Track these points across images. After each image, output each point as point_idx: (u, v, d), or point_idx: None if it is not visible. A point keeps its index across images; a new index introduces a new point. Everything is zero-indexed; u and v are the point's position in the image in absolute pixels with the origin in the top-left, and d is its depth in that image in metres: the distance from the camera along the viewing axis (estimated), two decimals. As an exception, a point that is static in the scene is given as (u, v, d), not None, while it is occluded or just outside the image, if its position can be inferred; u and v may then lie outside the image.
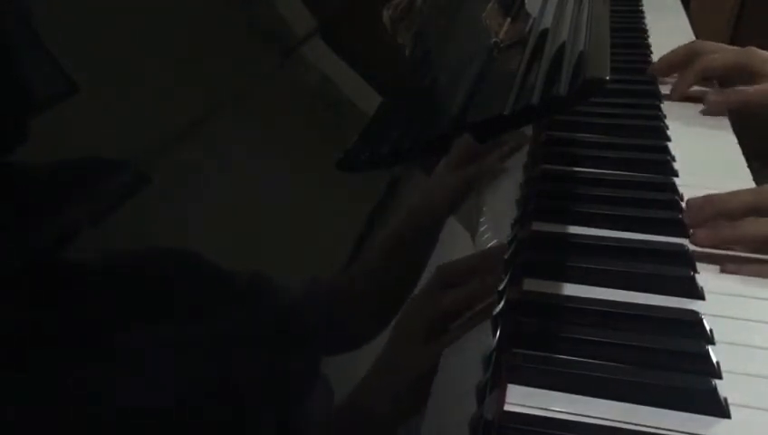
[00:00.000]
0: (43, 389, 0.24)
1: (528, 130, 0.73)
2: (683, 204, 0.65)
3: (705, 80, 0.87)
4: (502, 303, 0.48)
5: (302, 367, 0.35)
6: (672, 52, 0.89)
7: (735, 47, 0.87)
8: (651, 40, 1.09)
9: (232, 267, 0.34)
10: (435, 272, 0.45)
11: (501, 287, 0.50)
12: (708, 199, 0.62)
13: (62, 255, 0.27)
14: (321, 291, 0.39)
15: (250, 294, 0.34)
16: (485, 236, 0.56)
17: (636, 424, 0.43)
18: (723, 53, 0.85)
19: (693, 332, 0.50)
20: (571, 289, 0.54)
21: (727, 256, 0.59)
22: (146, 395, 0.27)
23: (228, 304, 0.33)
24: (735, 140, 0.78)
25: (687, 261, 0.57)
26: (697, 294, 0.54)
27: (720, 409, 0.44)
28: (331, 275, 0.40)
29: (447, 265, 0.47)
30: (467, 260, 0.50)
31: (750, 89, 0.81)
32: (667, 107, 0.85)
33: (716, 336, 0.50)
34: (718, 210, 0.61)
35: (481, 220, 0.56)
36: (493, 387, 0.44)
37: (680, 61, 0.88)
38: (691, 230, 0.61)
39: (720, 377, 0.46)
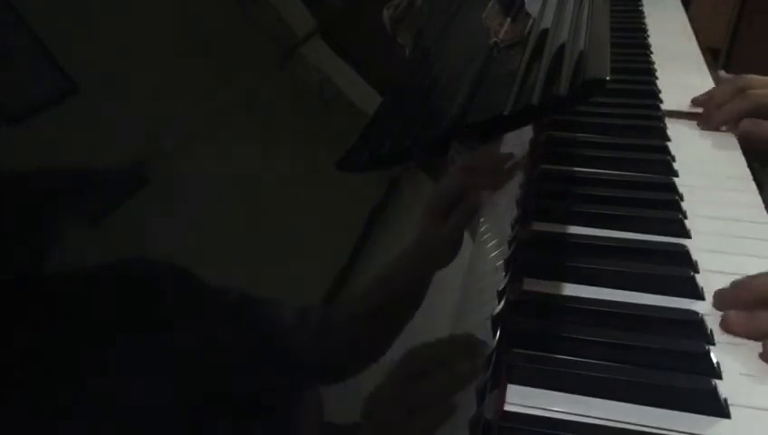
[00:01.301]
0: (30, 399, 0.24)
1: (526, 140, 0.73)
2: (682, 203, 0.65)
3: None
4: (502, 303, 0.48)
5: (287, 387, 0.35)
6: (719, 89, 0.82)
7: None
8: (651, 40, 1.09)
9: (228, 273, 0.34)
10: (404, 359, 0.43)
11: (501, 287, 0.50)
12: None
13: (51, 263, 0.27)
14: (311, 316, 0.38)
15: (240, 309, 0.34)
16: (485, 236, 0.56)
17: (635, 424, 0.43)
18: None
19: (693, 332, 0.50)
20: (570, 289, 0.54)
21: None
22: (129, 406, 0.27)
23: (217, 316, 0.33)
24: (736, 141, 0.78)
25: (687, 261, 0.57)
26: (697, 294, 0.54)
27: (720, 409, 0.44)
28: (321, 304, 0.39)
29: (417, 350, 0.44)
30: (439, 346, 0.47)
31: None
32: (667, 108, 0.85)
33: (716, 336, 0.50)
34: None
35: (481, 220, 0.55)
36: (493, 387, 0.44)
37: (729, 99, 0.80)
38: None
39: (720, 377, 0.46)
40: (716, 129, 0.80)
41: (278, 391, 0.34)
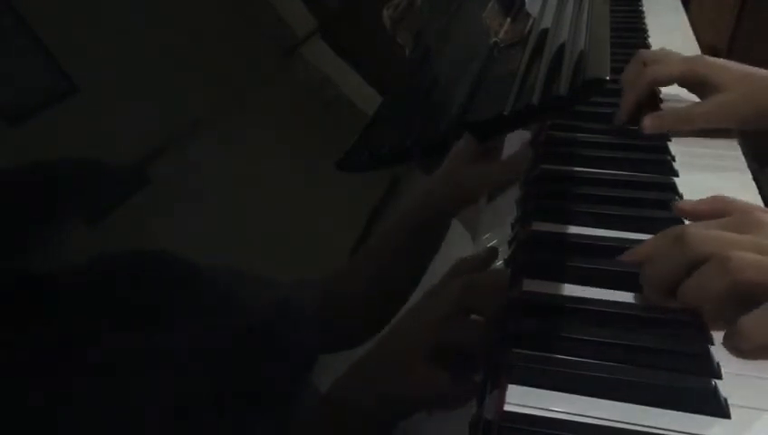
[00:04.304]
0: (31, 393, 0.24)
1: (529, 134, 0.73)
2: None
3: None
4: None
5: (289, 366, 0.35)
6: (625, 70, 0.81)
7: (683, 55, 0.79)
8: (651, 40, 1.09)
9: (226, 267, 0.34)
10: (457, 294, 0.45)
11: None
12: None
13: (51, 261, 0.27)
14: (310, 294, 0.39)
15: (232, 295, 0.34)
16: (485, 235, 0.56)
17: (636, 424, 0.43)
18: (668, 63, 0.77)
19: (693, 331, 0.50)
20: (570, 289, 0.54)
21: None
22: (131, 397, 0.27)
23: (213, 305, 0.33)
24: (736, 140, 0.78)
25: (687, 261, 0.57)
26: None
27: (720, 409, 0.44)
28: (323, 278, 0.40)
29: (471, 285, 0.47)
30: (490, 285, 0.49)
31: (693, 110, 0.76)
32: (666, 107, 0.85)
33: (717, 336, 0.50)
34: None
35: (481, 220, 0.56)
36: (493, 387, 0.44)
37: (633, 75, 0.79)
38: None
39: (720, 377, 0.46)
40: (626, 120, 0.78)
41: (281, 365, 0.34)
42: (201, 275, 0.33)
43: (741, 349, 0.48)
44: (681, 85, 0.79)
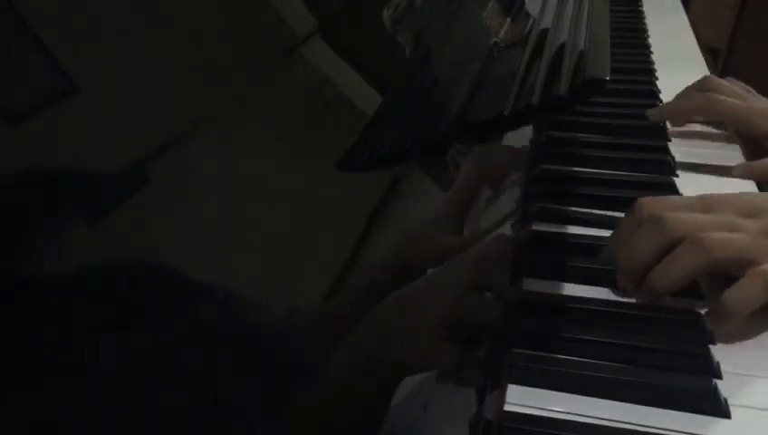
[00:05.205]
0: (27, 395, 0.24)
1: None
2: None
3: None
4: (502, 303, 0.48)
5: (287, 369, 0.35)
6: (684, 95, 0.78)
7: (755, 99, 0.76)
8: (651, 40, 1.09)
9: (227, 272, 0.34)
10: (471, 270, 0.46)
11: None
12: None
13: (50, 262, 0.27)
14: (298, 318, 0.39)
15: (226, 309, 0.34)
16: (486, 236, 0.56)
17: (636, 424, 0.43)
18: (735, 104, 0.74)
19: (693, 332, 0.50)
20: (570, 289, 0.54)
21: None
22: (119, 403, 0.27)
23: (206, 315, 0.33)
24: (736, 139, 0.78)
25: (687, 261, 0.57)
26: (698, 293, 0.54)
27: (720, 409, 0.44)
28: (310, 304, 0.40)
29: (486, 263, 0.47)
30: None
31: None
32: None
33: (716, 336, 0.50)
34: None
35: (481, 220, 0.56)
36: (493, 387, 0.44)
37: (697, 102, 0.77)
38: None
39: (720, 377, 0.46)
40: (681, 123, 0.79)
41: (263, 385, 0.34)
42: (201, 277, 0.33)
43: (727, 322, 0.49)
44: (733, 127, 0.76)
